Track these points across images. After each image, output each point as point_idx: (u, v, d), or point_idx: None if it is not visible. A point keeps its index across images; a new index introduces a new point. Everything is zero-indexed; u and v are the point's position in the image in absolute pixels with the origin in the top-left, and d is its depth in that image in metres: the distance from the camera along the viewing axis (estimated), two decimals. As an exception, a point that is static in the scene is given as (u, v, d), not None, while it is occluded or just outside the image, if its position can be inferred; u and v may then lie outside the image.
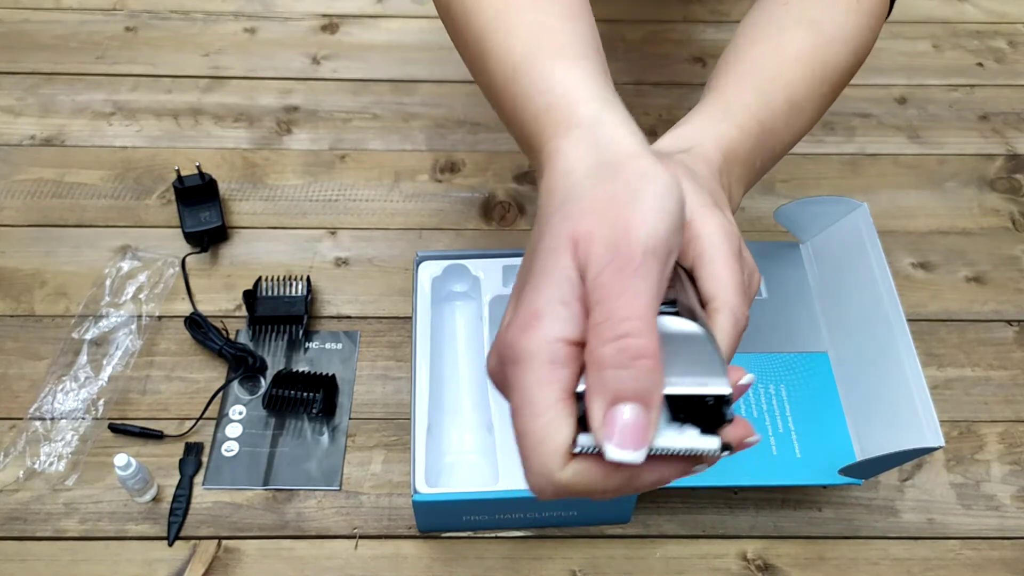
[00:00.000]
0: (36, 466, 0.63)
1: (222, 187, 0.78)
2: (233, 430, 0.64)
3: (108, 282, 0.72)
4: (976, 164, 0.84)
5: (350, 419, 0.66)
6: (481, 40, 0.39)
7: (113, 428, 0.64)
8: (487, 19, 0.39)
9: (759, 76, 0.46)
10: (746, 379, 0.32)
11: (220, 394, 0.66)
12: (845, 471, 0.57)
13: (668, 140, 0.45)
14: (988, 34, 0.96)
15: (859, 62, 0.50)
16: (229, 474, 0.63)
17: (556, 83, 0.34)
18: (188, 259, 0.73)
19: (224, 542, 0.60)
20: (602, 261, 0.28)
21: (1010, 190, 0.82)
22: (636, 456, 0.27)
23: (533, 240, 0.31)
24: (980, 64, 0.93)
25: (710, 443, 0.30)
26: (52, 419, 0.65)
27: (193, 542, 0.60)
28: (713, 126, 0.44)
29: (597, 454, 0.28)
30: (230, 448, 0.64)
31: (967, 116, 0.88)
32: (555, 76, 0.35)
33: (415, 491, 0.56)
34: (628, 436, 0.27)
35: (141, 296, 0.71)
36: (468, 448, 0.62)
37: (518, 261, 0.67)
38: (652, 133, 0.85)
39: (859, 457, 0.58)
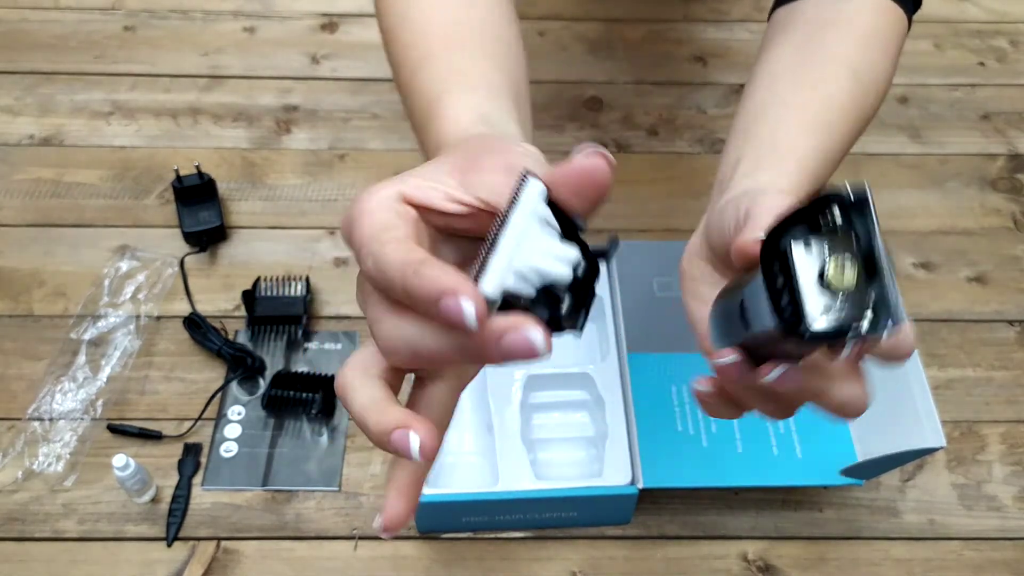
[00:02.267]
0: (34, 467, 0.62)
1: (221, 187, 0.77)
2: (232, 431, 0.64)
3: (107, 282, 0.72)
4: (977, 164, 0.84)
5: (349, 420, 0.65)
6: (412, 77, 0.43)
7: (112, 429, 0.64)
8: (416, 59, 0.43)
9: (808, 126, 0.45)
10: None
11: (219, 394, 0.66)
12: (846, 472, 0.57)
13: (743, 184, 0.42)
14: (989, 33, 0.95)
15: (882, 101, 0.51)
16: (228, 475, 0.62)
17: (450, 111, 0.39)
18: (187, 259, 0.73)
19: (223, 543, 0.60)
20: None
21: (1011, 190, 0.82)
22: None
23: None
24: (981, 63, 0.92)
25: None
26: (50, 419, 0.64)
27: (192, 543, 0.60)
28: (786, 178, 0.42)
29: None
30: (229, 449, 0.63)
31: (968, 116, 0.87)
32: (451, 108, 0.39)
33: (415, 492, 0.56)
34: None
35: (140, 296, 0.71)
36: (468, 449, 0.61)
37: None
38: (653, 132, 0.85)
39: (860, 458, 0.58)
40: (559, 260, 0.27)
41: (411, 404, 0.32)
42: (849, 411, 0.32)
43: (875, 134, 0.85)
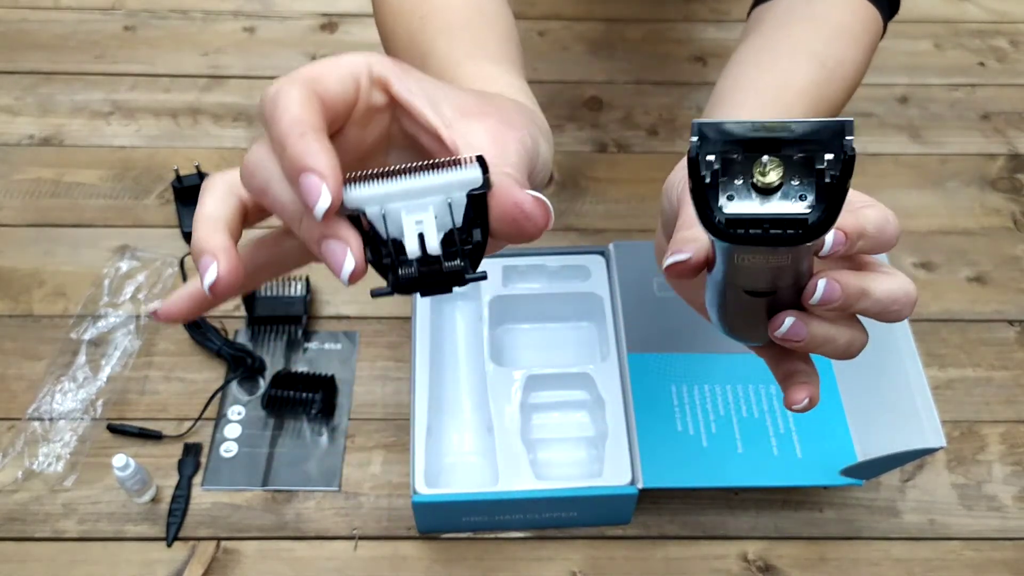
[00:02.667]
0: (34, 467, 0.62)
1: (221, 187, 0.77)
2: (232, 431, 0.64)
3: (107, 282, 0.72)
4: (977, 164, 0.83)
5: (349, 420, 0.65)
6: (429, 43, 0.43)
7: (112, 429, 0.64)
8: (434, 28, 0.43)
9: (767, 107, 0.46)
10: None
11: (219, 394, 0.66)
12: (846, 472, 0.57)
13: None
14: (990, 33, 0.95)
15: (851, 95, 0.51)
16: (228, 475, 0.62)
17: (483, 72, 0.39)
18: (187, 259, 0.73)
19: (223, 543, 0.60)
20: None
21: (1011, 190, 0.82)
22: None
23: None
24: (982, 63, 0.92)
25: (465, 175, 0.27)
26: (50, 420, 0.64)
27: (192, 543, 0.60)
28: None
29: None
30: (229, 449, 0.63)
31: (968, 116, 0.87)
32: (484, 69, 0.40)
33: (415, 492, 0.56)
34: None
35: (140, 296, 0.71)
36: (468, 449, 0.61)
37: (518, 261, 0.67)
38: (653, 132, 0.85)
39: (860, 458, 0.58)
40: (419, 234, 0.27)
41: (257, 242, 0.32)
42: (902, 305, 0.32)
43: (875, 134, 0.85)
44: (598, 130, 0.85)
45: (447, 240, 0.27)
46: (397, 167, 0.27)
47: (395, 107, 0.29)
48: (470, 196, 0.27)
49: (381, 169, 0.27)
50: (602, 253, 0.67)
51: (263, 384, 0.66)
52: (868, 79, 0.52)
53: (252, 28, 0.93)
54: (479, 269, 0.28)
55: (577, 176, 0.81)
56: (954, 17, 0.97)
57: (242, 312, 0.70)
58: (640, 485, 0.56)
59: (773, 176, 0.26)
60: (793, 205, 0.26)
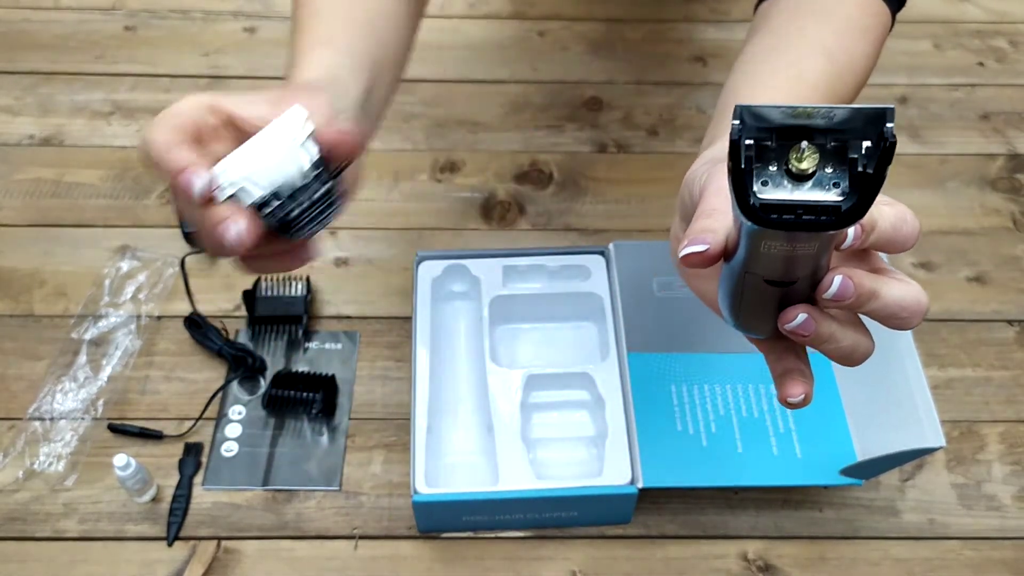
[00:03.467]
0: (35, 466, 0.62)
1: (221, 187, 0.77)
2: (232, 430, 0.64)
3: (107, 282, 0.72)
4: (977, 164, 0.84)
5: (350, 419, 0.65)
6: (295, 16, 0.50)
7: (112, 428, 0.64)
8: (306, 14, 0.50)
9: (783, 102, 0.46)
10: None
11: (219, 394, 0.66)
12: (846, 471, 0.57)
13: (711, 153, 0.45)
14: (989, 33, 0.96)
15: (860, 89, 0.52)
16: (228, 474, 0.63)
17: (310, 62, 0.46)
18: (187, 259, 0.73)
19: (223, 542, 0.60)
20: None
21: (1011, 190, 0.82)
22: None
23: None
24: (981, 63, 0.93)
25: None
26: (51, 419, 0.64)
27: (192, 542, 0.60)
28: None
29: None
30: (229, 448, 0.64)
31: (968, 116, 0.88)
32: (311, 61, 0.46)
33: (415, 492, 0.56)
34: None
35: (140, 296, 0.71)
36: (468, 448, 0.62)
37: (519, 261, 0.67)
38: (653, 132, 0.85)
39: (860, 457, 0.58)
40: (292, 169, 0.34)
41: None
42: (911, 313, 0.32)
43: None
44: (598, 130, 0.85)
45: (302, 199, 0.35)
46: (246, 145, 0.35)
47: (232, 120, 0.37)
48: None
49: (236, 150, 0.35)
50: (602, 253, 0.67)
51: (264, 384, 0.66)
52: (867, 79, 0.52)
53: (253, 28, 0.93)
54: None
55: (577, 176, 0.81)
56: (954, 17, 0.97)
57: (243, 312, 0.70)
58: (640, 485, 0.56)
59: (808, 163, 0.26)
60: (826, 193, 0.26)
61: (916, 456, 0.54)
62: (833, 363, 0.62)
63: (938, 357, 0.70)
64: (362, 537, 0.61)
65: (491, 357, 0.62)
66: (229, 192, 0.33)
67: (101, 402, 0.65)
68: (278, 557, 0.59)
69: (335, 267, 0.74)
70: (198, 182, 0.33)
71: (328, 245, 0.75)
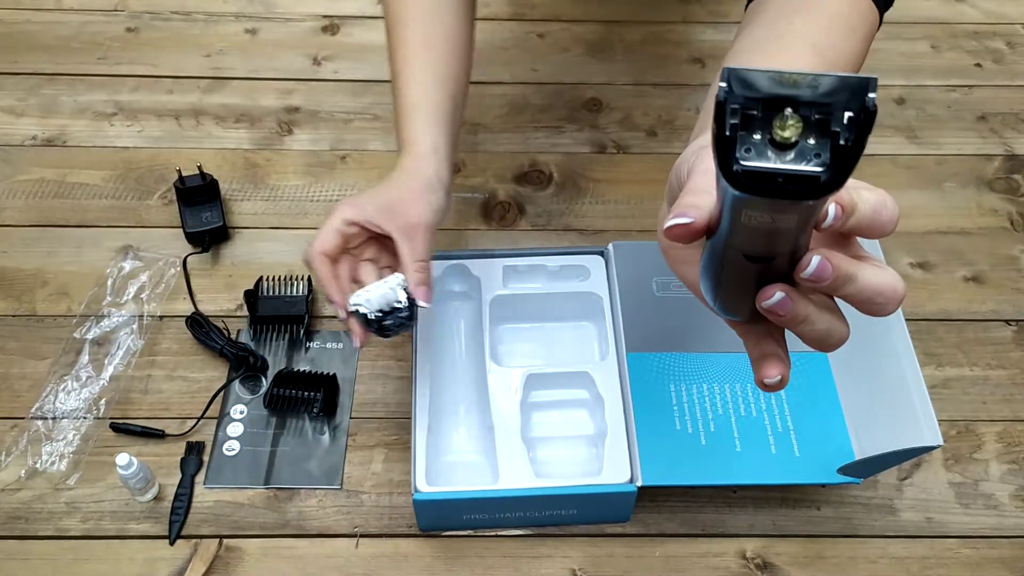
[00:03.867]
0: (38, 465, 0.63)
1: (223, 187, 0.78)
2: (234, 429, 0.65)
3: (110, 282, 0.72)
4: (974, 164, 0.84)
5: (351, 418, 0.66)
6: (394, 74, 0.62)
7: (115, 427, 0.64)
8: (399, 61, 0.62)
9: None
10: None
11: (221, 393, 0.66)
12: (844, 470, 0.57)
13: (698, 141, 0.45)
14: (986, 35, 0.96)
15: None
16: (230, 473, 0.63)
17: (414, 132, 0.59)
18: (189, 259, 0.73)
19: (225, 541, 0.60)
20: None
21: (1008, 190, 0.82)
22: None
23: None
24: (978, 65, 0.93)
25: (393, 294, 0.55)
26: (54, 418, 0.65)
27: (194, 541, 0.60)
28: None
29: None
30: (231, 447, 0.64)
31: (965, 116, 0.88)
32: (415, 130, 0.59)
33: (416, 490, 0.56)
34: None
35: (143, 296, 0.71)
36: (468, 447, 0.62)
37: (519, 261, 0.67)
38: (652, 133, 0.85)
39: (858, 456, 0.58)
40: (390, 301, 0.55)
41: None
42: (886, 299, 0.32)
43: (872, 135, 0.86)
44: (597, 131, 0.86)
45: (395, 308, 0.56)
46: (368, 282, 0.56)
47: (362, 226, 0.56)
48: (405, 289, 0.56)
49: (363, 287, 0.56)
50: (601, 253, 0.68)
51: (265, 383, 0.67)
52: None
53: (254, 30, 0.93)
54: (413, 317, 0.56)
55: (576, 177, 0.82)
56: (951, 18, 0.98)
57: (244, 312, 0.70)
58: (639, 483, 0.56)
59: (791, 132, 0.26)
60: (807, 164, 0.26)
61: (914, 455, 0.55)
62: (831, 362, 0.63)
63: (936, 356, 0.70)
64: (363, 535, 0.61)
65: (491, 356, 0.63)
66: (353, 309, 0.55)
67: (103, 401, 0.66)
68: (280, 555, 0.60)
69: (336, 267, 0.74)
70: (341, 310, 0.56)
71: (329, 245, 0.76)
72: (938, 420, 0.53)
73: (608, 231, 0.77)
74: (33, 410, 0.65)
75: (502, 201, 0.80)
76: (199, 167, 0.75)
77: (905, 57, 0.93)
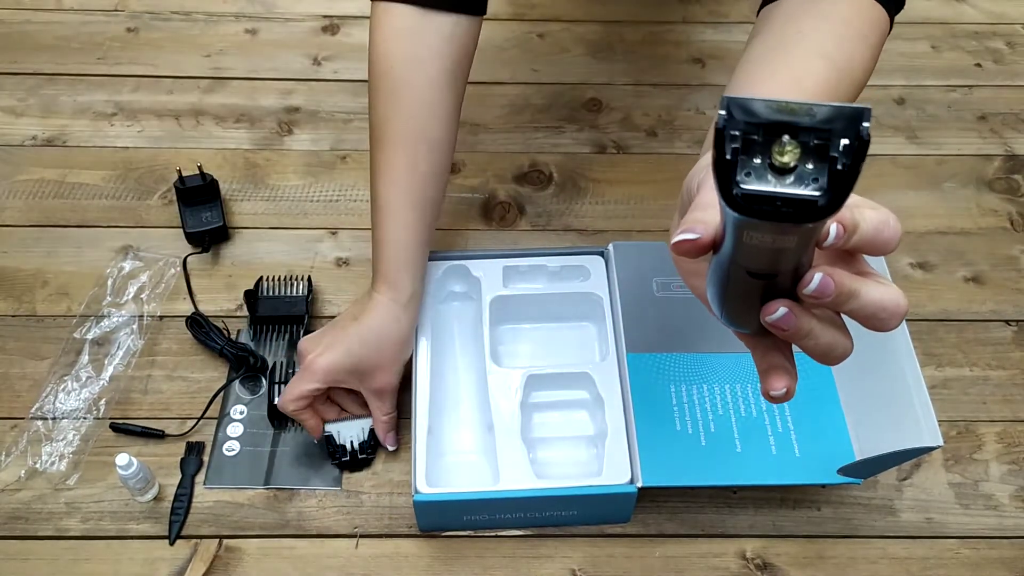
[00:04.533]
0: (38, 465, 0.63)
1: (223, 187, 0.78)
2: (234, 429, 0.65)
3: (110, 282, 0.72)
4: (974, 164, 0.84)
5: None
6: (376, 195, 0.62)
7: (114, 428, 0.64)
8: (381, 187, 0.61)
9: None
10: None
11: (221, 394, 0.66)
12: (844, 471, 0.57)
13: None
14: (986, 35, 0.96)
15: (859, 94, 0.52)
16: (230, 473, 0.63)
17: (391, 274, 0.61)
18: (189, 259, 0.73)
19: (225, 541, 0.60)
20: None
21: (1008, 190, 0.82)
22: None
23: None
24: (978, 65, 0.93)
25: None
26: (54, 419, 0.65)
27: (194, 541, 0.60)
28: None
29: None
30: (231, 447, 0.64)
31: (965, 117, 0.88)
32: (392, 272, 0.61)
33: (416, 491, 0.56)
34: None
35: (143, 296, 0.71)
36: (468, 448, 0.62)
37: (519, 261, 0.67)
38: (652, 134, 0.85)
39: (858, 457, 0.58)
40: (360, 437, 0.63)
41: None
42: (889, 315, 0.33)
43: (872, 135, 0.86)
44: (597, 131, 0.86)
45: (363, 445, 0.63)
46: (343, 416, 0.64)
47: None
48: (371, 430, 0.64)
49: (336, 417, 0.64)
50: (601, 254, 0.68)
51: (265, 383, 0.67)
52: (866, 84, 0.52)
53: (254, 30, 0.93)
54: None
55: (576, 177, 0.82)
56: (951, 19, 0.98)
57: (244, 312, 0.70)
58: (639, 484, 0.56)
59: (790, 157, 0.27)
60: (805, 188, 0.27)
61: (914, 455, 0.55)
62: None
63: (935, 357, 0.70)
64: (363, 536, 0.61)
65: (491, 357, 0.63)
66: (327, 434, 0.63)
67: (103, 401, 0.66)
68: (279, 556, 0.60)
69: (336, 267, 0.74)
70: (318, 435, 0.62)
71: (329, 245, 0.76)
72: (938, 420, 0.53)
73: (608, 231, 0.77)
74: (33, 410, 0.65)
75: (502, 201, 0.80)
76: (199, 167, 0.75)
77: (905, 57, 0.93)
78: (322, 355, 0.58)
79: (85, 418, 0.65)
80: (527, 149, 0.84)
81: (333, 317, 0.71)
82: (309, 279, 0.71)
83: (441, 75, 0.60)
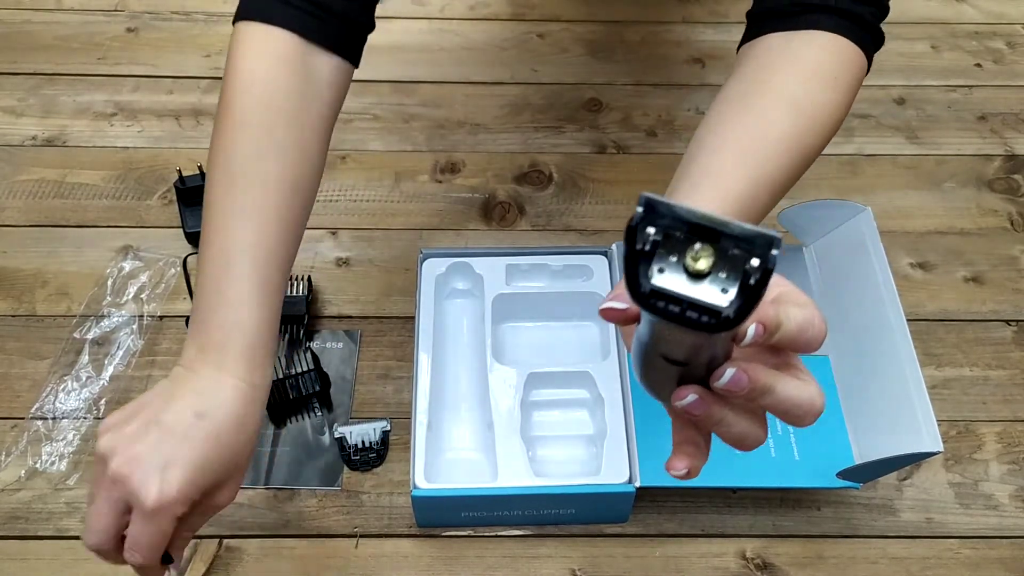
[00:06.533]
0: (38, 465, 0.63)
1: (223, 187, 0.78)
2: (234, 429, 0.65)
3: (110, 282, 0.72)
4: (974, 164, 0.84)
5: (351, 418, 0.66)
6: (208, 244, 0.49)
7: (115, 427, 0.64)
8: (235, 258, 0.48)
9: (745, 155, 0.47)
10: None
11: (221, 393, 0.66)
12: (843, 475, 0.57)
13: None
14: (986, 35, 0.96)
15: (829, 139, 0.52)
16: (230, 473, 0.63)
17: (226, 325, 0.47)
18: (189, 259, 0.73)
19: (225, 541, 0.60)
20: None
21: (1008, 190, 0.82)
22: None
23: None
24: (978, 65, 0.93)
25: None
26: (54, 419, 0.65)
27: (194, 541, 0.60)
28: (717, 203, 0.46)
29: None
30: (231, 447, 0.64)
31: (965, 117, 0.88)
32: (228, 321, 0.47)
33: (414, 486, 0.56)
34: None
35: (143, 296, 0.71)
36: (468, 445, 0.62)
37: (521, 260, 0.67)
38: (652, 134, 0.85)
39: (857, 460, 0.58)
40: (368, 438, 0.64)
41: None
42: (803, 412, 0.33)
43: (872, 135, 0.86)
44: (597, 131, 0.86)
45: (374, 444, 0.63)
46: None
47: None
48: None
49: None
50: (605, 253, 0.68)
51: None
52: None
53: (254, 30, 0.93)
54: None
55: (576, 177, 0.82)
56: (951, 19, 0.98)
57: (244, 312, 0.70)
58: (638, 483, 0.56)
59: (703, 264, 0.26)
60: (715, 295, 0.26)
61: (914, 460, 0.54)
62: (832, 365, 0.63)
63: (935, 357, 0.70)
64: (363, 536, 0.61)
65: (492, 355, 0.63)
66: (339, 436, 0.63)
67: (103, 401, 0.66)
68: (279, 555, 0.60)
69: (336, 267, 0.74)
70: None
71: (329, 245, 0.76)
72: (938, 420, 0.53)
73: (608, 231, 0.77)
74: (33, 410, 0.65)
75: (502, 201, 0.80)
76: (199, 167, 0.75)
77: (905, 57, 0.93)
78: (171, 482, 0.43)
79: (85, 418, 0.65)
80: (527, 149, 0.84)
81: (333, 317, 0.72)
82: (309, 279, 0.71)
83: (320, 121, 0.53)
